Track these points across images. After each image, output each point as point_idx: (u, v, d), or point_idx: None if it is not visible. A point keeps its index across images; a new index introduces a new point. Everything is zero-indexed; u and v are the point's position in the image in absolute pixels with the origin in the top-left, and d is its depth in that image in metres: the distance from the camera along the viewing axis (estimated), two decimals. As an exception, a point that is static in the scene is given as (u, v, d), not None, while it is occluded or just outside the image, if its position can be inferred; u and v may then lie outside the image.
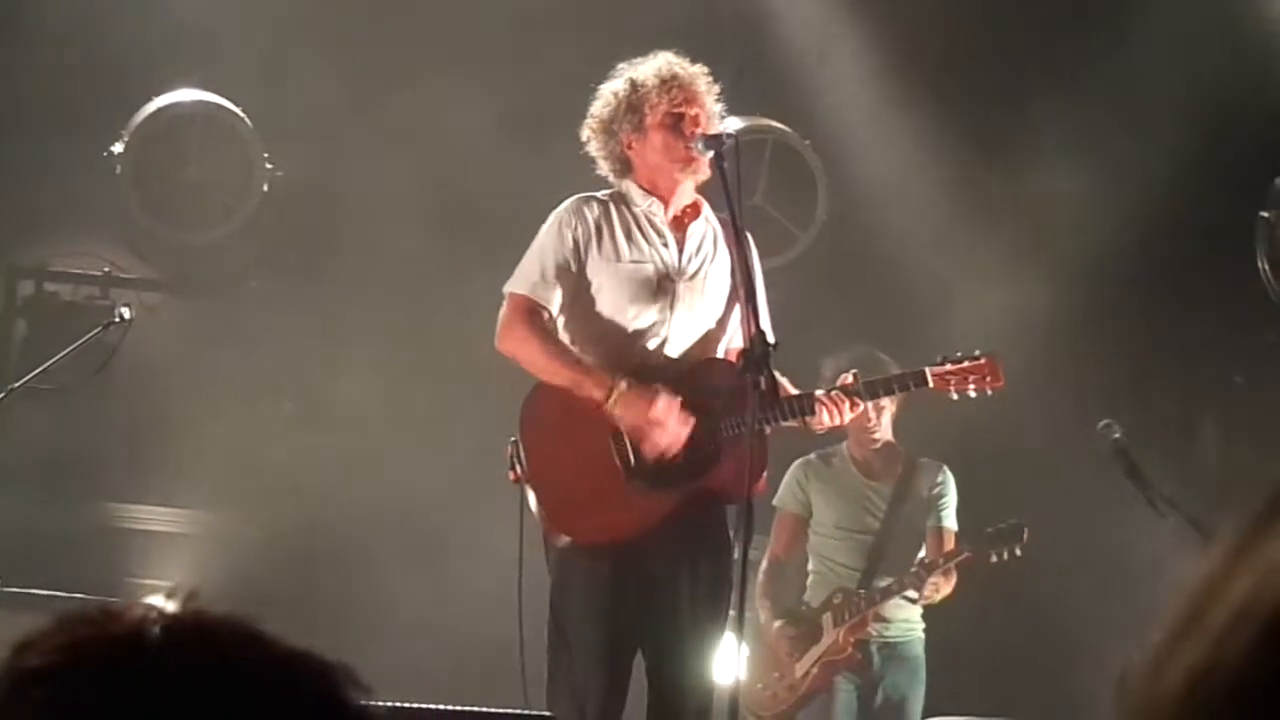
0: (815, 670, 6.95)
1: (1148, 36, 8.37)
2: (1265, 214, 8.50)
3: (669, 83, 5.49)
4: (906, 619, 7.06)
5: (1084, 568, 7.95)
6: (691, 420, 5.39)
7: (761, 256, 5.69)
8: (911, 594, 6.95)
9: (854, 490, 7.11)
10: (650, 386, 5.38)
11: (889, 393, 5.67)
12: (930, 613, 7.12)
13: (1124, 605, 6.48)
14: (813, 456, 7.13)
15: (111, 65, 8.22)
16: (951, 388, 5.64)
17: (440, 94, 8.08)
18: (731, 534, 5.39)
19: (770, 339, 5.13)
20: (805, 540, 7.14)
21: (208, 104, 8.34)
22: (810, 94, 8.34)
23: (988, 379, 5.65)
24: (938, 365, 5.65)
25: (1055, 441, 7.98)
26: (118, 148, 8.30)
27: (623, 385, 5.36)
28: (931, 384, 5.63)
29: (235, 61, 8.29)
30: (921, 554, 7.05)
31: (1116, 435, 6.12)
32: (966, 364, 5.64)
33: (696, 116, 5.48)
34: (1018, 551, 6.97)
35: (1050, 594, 7.69)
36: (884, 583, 6.96)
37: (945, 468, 7.15)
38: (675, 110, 5.48)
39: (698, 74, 5.56)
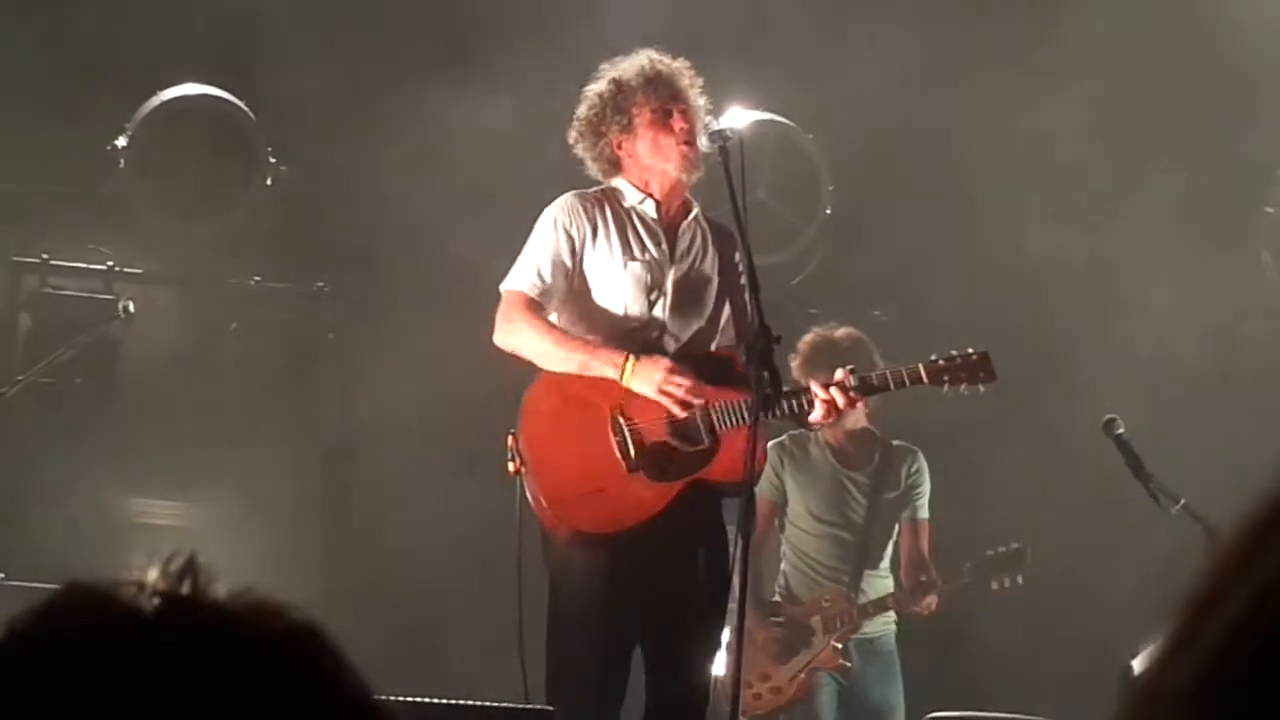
0: (803, 676, 6.86)
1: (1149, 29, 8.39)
2: (1269, 209, 8.52)
3: (653, 81, 5.50)
4: (882, 616, 6.96)
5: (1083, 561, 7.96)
6: (705, 388, 5.40)
7: (765, 251, 5.69)
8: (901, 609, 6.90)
9: (830, 478, 6.96)
10: (658, 357, 5.39)
11: (884, 388, 5.62)
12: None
13: (1117, 597, 6.48)
14: (786, 439, 6.95)
15: (115, 59, 8.22)
16: (945, 383, 5.63)
17: (445, 90, 8.08)
18: (730, 526, 5.41)
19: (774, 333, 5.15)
20: (777, 526, 7.00)
21: (211, 98, 8.35)
22: (813, 87, 8.32)
23: (980, 374, 5.64)
24: (930, 361, 5.65)
25: (1051, 434, 7.99)
26: (121, 141, 8.31)
27: (633, 358, 5.37)
28: (925, 379, 5.61)
29: (239, 55, 8.28)
30: (892, 547, 6.94)
31: (1120, 430, 6.14)
32: (959, 360, 5.63)
33: (685, 111, 5.49)
34: (1019, 579, 6.94)
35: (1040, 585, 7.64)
36: (876, 594, 6.87)
37: (919, 452, 7.02)
38: (663, 108, 5.49)
39: (680, 69, 5.56)
